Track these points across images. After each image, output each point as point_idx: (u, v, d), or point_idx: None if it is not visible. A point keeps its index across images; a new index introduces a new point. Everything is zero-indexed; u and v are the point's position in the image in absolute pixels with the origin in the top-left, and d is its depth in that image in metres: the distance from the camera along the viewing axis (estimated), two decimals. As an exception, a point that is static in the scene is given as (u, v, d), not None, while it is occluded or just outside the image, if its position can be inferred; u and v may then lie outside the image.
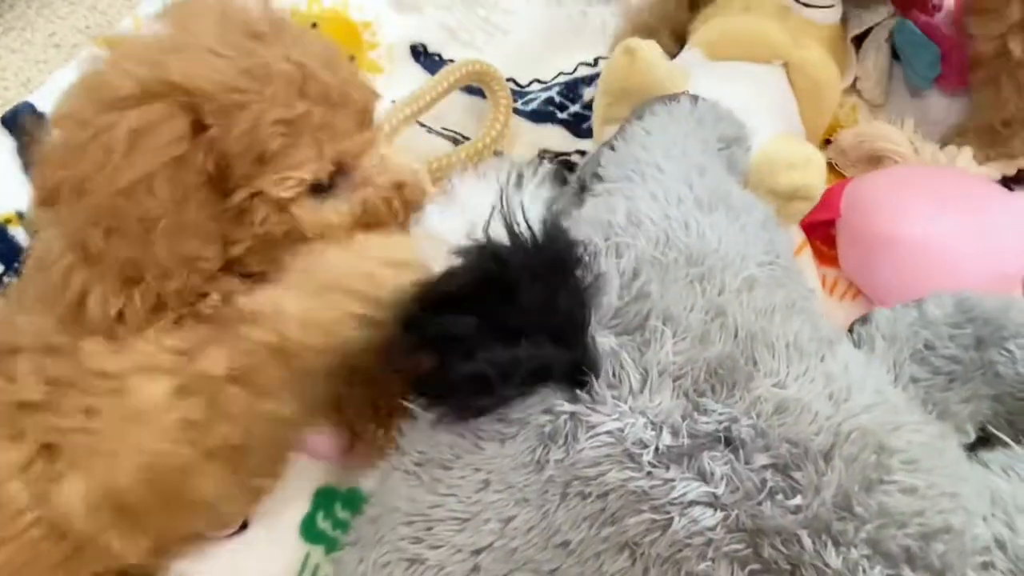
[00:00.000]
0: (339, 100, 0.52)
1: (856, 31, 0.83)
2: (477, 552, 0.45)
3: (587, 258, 0.49)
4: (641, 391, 0.46)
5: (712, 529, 0.42)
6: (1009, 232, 0.68)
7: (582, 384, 0.46)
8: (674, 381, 0.46)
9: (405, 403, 0.52)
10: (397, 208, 0.56)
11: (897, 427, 0.47)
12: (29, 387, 0.49)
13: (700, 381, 0.46)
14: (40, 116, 0.83)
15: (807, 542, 0.42)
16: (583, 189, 0.60)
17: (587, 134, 0.83)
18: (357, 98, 0.54)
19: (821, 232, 0.76)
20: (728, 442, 0.44)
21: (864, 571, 0.41)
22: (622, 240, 0.51)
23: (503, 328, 0.45)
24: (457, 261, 0.48)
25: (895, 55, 0.85)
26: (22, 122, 0.84)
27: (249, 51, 0.49)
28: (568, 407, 0.45)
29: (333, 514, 0.65)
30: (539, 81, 0.87)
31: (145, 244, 0.48)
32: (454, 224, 0.52)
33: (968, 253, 0.67)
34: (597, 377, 0.46)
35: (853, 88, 0.85)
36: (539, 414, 0.46)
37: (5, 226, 0.81)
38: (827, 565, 0.41)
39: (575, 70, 0.88)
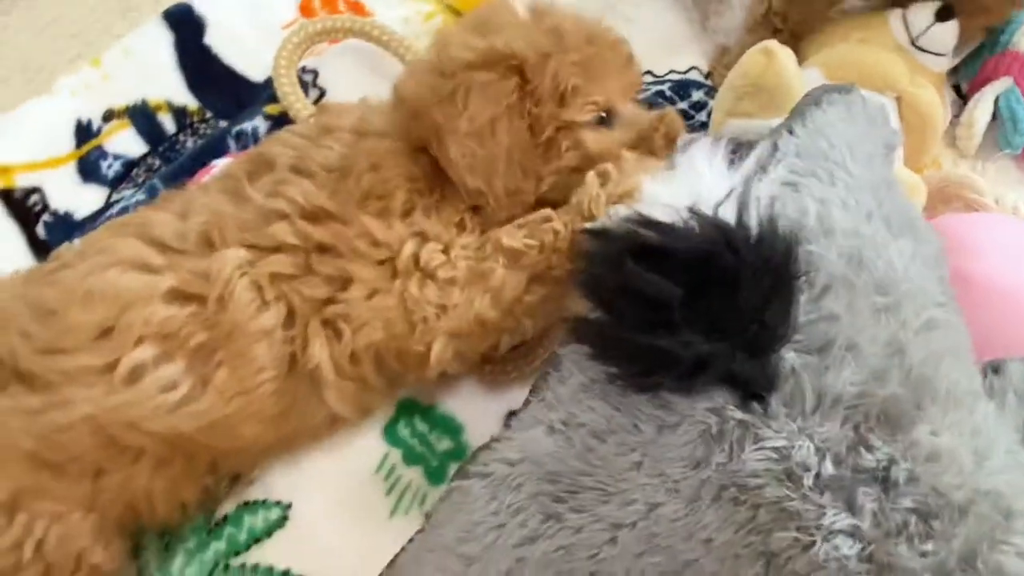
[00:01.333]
0: (611, 47, 0.68)
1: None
2: (618, 527, 0.47)
3: (807, 273, 0.47)
4: (812, 414, 0.46)
5: (848, 558, 0.44)
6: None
7: (758, 396, 0.45)
8: (845, 410, 0.46)
9: (561, 350, 0.53)
10: (662, 139, 0.68)
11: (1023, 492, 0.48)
12: (288, 256, 0.60)
13: (870, 417, 0.46)
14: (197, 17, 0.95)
15: None
16: (763, 171, 0.56)
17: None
18: (623, 47, 0.70)
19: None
20: (883, 482, 0.45)
21: None
22: (815, 250, 0.50)
23: (704, 313, 0.44)
24: (682, 224, 0.46)
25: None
26: (181, 19, 0.94)
27: (539, 19, 0.66)
28: (739, 415, 0.45)
29: (413, 425, 0.71)
30: (651, 74, 0.89)
31: (488, 177, 0.62)
32: (677, 191, 0.51)
33: None
34: (774, 390, 0.45)
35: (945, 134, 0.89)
36: (705, 412, 0.46)
37: (155, 112, 0.91)
38: None
39: (687, 71, 0.91)
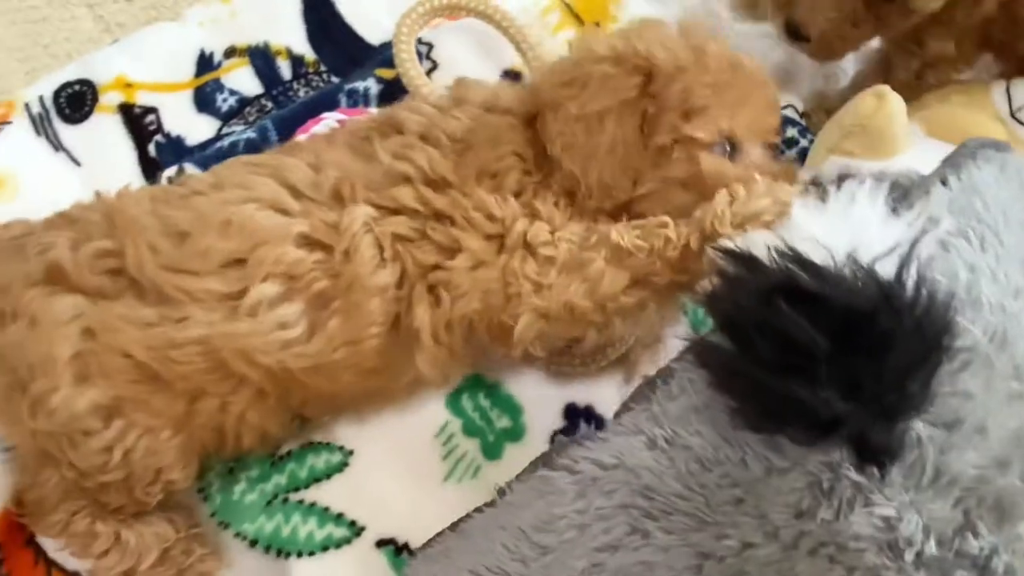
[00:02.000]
0: (755, 83, 0.69)
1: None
2: (706, 556, 0.46)
3: (955, 346, 0.44)
4: (927, 489, 0.44)
5: None
6: None
7: (877, 461, 0.44)
8: (961, 492, 0.44)
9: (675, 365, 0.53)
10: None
11: None
12: (408, 218, 0.63)
13: (983, 504, 0.44)
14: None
15: None
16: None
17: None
18: (768, 89, 0.70)
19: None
20: (982, 569, 0.44)
21: None
22: (962, 320, 0.47)
23: (847, 371, 0.42)
24: (839, 271, 0.44)
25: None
26: None
27: (686, 36, 0.68)
28: (855, 476, 0.44)
29: (476, 398, 0.72)
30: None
31: (585, 163, 0.64)
32: (833, 231, 0.47)
33: None
34: (896, 459, 0.44)
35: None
36: (820, 464, 0.45)
37: (275, 57, 0.94)
38: None
39: (785, 107, 0.90)
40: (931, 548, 0.43)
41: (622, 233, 0.60)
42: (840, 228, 0.48)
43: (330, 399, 0.65)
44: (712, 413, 0.49)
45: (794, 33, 0.76)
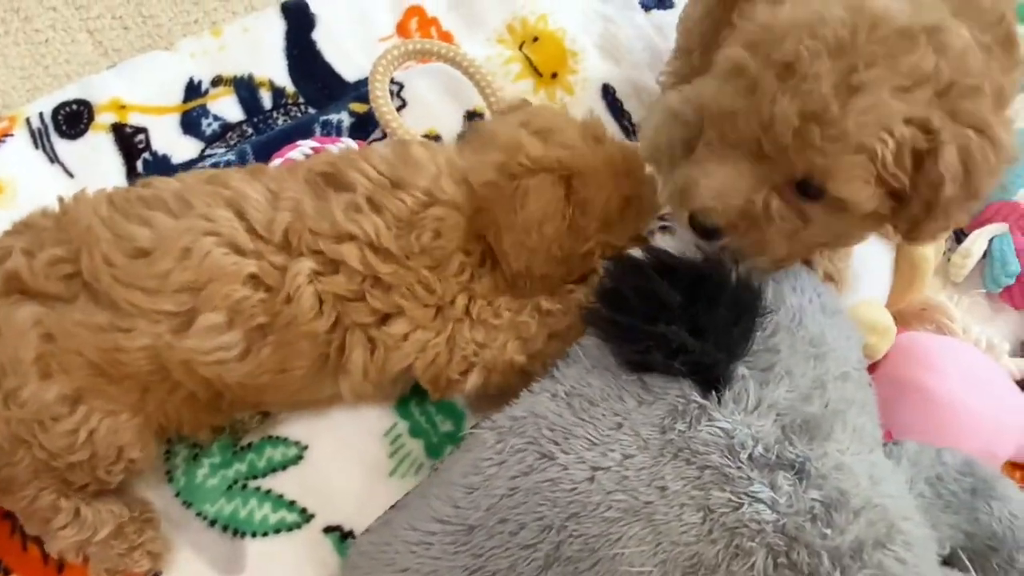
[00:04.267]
0: (645, 184, 0.79)
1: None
2: (596, 468, 0.61)
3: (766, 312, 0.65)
4: (753, 411, 0.62)
5: (766, 522, 0.58)
6: (1010, 423, 0.85)
7: (716, 388, 0.62)
8: (777, 415, 0.62)
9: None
10: None
11: (906, 517, 0.63)
12: (347, 279, 0.71)
13: (794, 425, 0.62)
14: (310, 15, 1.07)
15: (826, 561, 0.57)
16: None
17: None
18: (652, 190, 0.80)
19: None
20: (798, 472, 0.60)
21: None
22: (771, 305, 0.68)
23: (692, 317, 0.61)
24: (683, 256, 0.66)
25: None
26: (296, 13, 1.08)
27: (594, 148, 0.77)
28: (700, 400, 0.62)
29: (423, 404, 0.82)
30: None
31: (529, 256, 0.73)
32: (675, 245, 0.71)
33: (979, 425, 0.83)
34: (727, 388, 0.62)
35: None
36: (675, 395, 0.62)
37: (258, 87, 1.04)
38: None
39: None
40: (759, 451, 0.60)
41: (548, 300, 0.75)
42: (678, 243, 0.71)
43: (256, 406, 0.77)
44: (599, 370, 0.65)
45: (705, 231, 0.66)
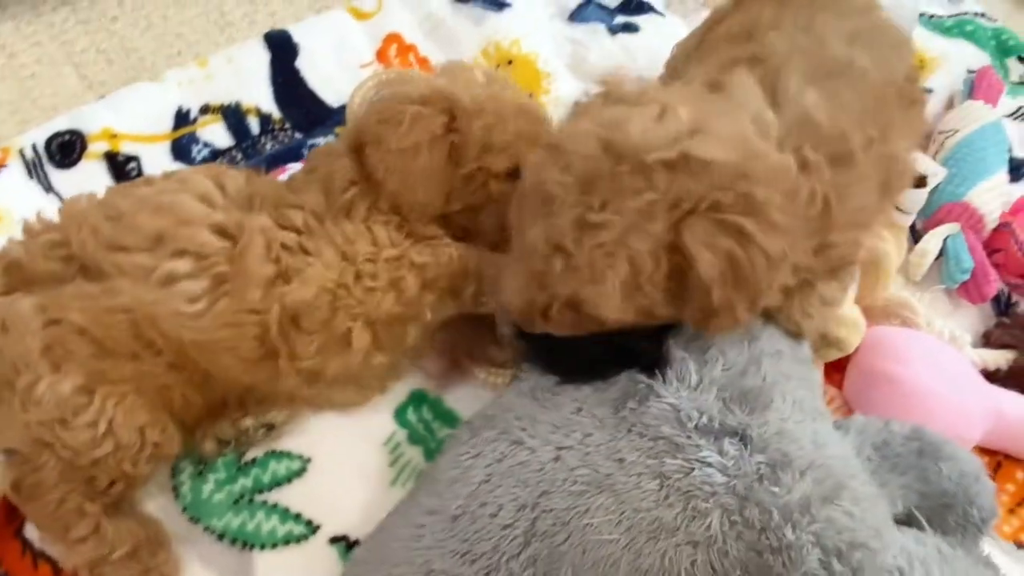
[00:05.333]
0: (539, 123, 0.83)
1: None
2: (560, 448, 0.67)
3: None
4: (695, 388, 0.68)
5: (718, 485, 0.63)
6: (976, 409, 0.89)
7: (659, 370, 0.69)
8: (718, 390, 0.69)
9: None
10: None
11: (852, 476, 0.68)
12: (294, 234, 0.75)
13: (734, 397, 0.68)
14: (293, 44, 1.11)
15: (776, 517, 0.62)
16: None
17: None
18: (547, 129, 0.83)
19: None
20: (742, 439, 0.66)
21: (808, 550, 0.62)
22: None
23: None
24: None
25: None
26: (279, 43, 1.12)
27: (487, 87, 0.81)
28: (647, 381, 0.69)
29: (420, 412, 0.85)
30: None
31: (405, 186, 0.76)
32: None
33: (946, 410, 0.87)
34: (668, 369, 0.69)
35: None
36: (625, 380, 0.69)
37: (246, 114, 1.08)
38: (784, 536, 0.62)
39: None
40: (704, 421, 0.66)
41: (421, 252, 0.77)
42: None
43: (229, 387, 0.77)
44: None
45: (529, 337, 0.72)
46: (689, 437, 0.65)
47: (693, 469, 0.64)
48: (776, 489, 0.63)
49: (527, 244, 0.64)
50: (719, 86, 0.67)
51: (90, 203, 0.75)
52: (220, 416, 0.78)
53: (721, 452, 0.65)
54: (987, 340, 1.05)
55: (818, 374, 0.90)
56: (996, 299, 1.08)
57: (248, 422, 0.78)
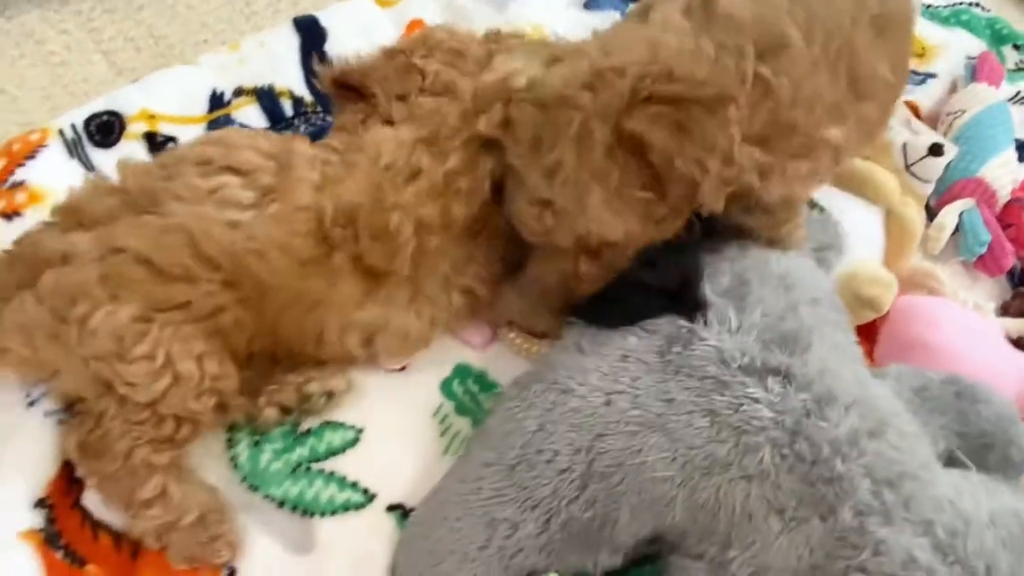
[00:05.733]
0: None
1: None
2: (611, 393, 0.69)
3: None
4: (736, 331, 0.71)
5: (766, 419, 0.65)
6: (1007, 371, 0.91)
7: (700, 315, 0.71)
8: (757, 333, 0.71)
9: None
10: None
11: (895, 414, 0.70)
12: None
13: (774, 339, 0.70)
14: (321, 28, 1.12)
15: (826, 450, 0.64)
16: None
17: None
18: None
19: (863, 328, 0.95)
20: (785, 376, 0.68)
21: (858, 481, 0.63)
22: (734, 255, 0.78)
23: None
24: None
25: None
26: (308, 27, 1.13)
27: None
28: (689, 325, 0.71)
29: (466, 384, 0.87)
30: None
31: None
32: None
33: (980, 373, 0.86)
34: (709, 313, 0.71)
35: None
36: (667, 325, 0.72)
37: (279, 97, 1.08)
38: (835, 467, 0.64)
39: None
40: (746, 361, 0.68)
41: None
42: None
43: (287, 317, 0.76)
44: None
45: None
46: (735, 375, 0.67)
47: (742, 405, 0.66)
48: (824, 424, 0.65)
49: (521, 219, 0.70)
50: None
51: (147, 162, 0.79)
52: (270, 375, 0.79)
53: (766, 389, 0.66)
54: (1005, 311, 1.07)
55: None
56: (1010, 272, 1.11)
57: (313, 387, 0.78)
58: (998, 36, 1.47)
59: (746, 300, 0.73)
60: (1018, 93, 1.36)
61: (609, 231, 0.69)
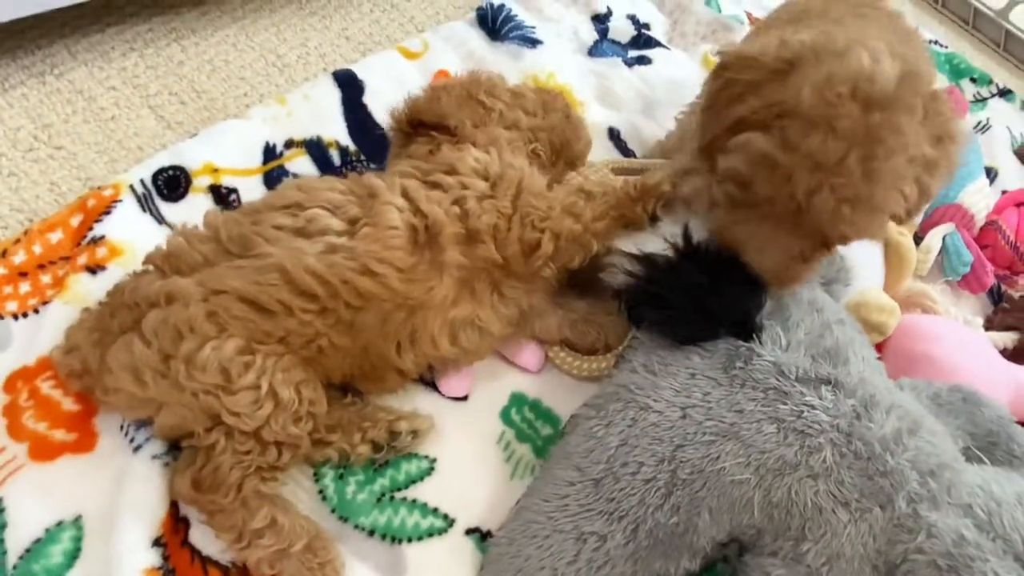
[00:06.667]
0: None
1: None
2: (685, 407, 0.75)
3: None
4: (786, 348, 0.79)
5: (824, 423, 0.73)
6: (1000, 381, 1.00)
7: (755, 336, 0.78)
8: (805, 348, 0.79)
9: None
10: None
11: (925, 416, 0.78)
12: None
13: (819, 354, 0.79)
14: (359, 81, 1.19)
15: (877, 448, 0.72)
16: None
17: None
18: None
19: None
20: (835, 386, 0.75)
21: (907, 472, 0.71)
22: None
23: (716, 288, 0.78)
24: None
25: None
26: (347, 80, 1.19)
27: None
28: (746, 345, 0.78)
29: (523, 412, 0.93)
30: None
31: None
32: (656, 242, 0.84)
33: (977, 383, 0.95)
34: (763, 333, 0.78)
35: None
36: (725, 346, 0.78)
37: (327, 147, 1.13)
38: (887, 462, 0.71)
39: None
40: (801, 372, 0.76)
41: (589, 182, 0.89)
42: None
43: (382, 329, 0.80)
44: (660, 346, 0.81)
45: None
46: (794, 386, 0.75)
47: (803, 411, 0.73)
48: (872, 425, 0.73)
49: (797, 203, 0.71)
50: None
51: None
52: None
53: (820, 397, 0.74)
54: (988, 325, 1.17)
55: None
56: (990, 290, 1.21)
57: (402, 424, 0.83)
58: (957, 70, 1.59)
59: (789, 321, 0.81)
60: (979, 123, 1.47)
61: (868, 230, 0.74)
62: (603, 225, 0.86)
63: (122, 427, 0.80)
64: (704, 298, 0.78)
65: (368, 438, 0.82)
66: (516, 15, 1.34)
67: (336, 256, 0.77)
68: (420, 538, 0.80)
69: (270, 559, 0.73)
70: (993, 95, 1.56)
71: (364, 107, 1.15)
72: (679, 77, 1.32)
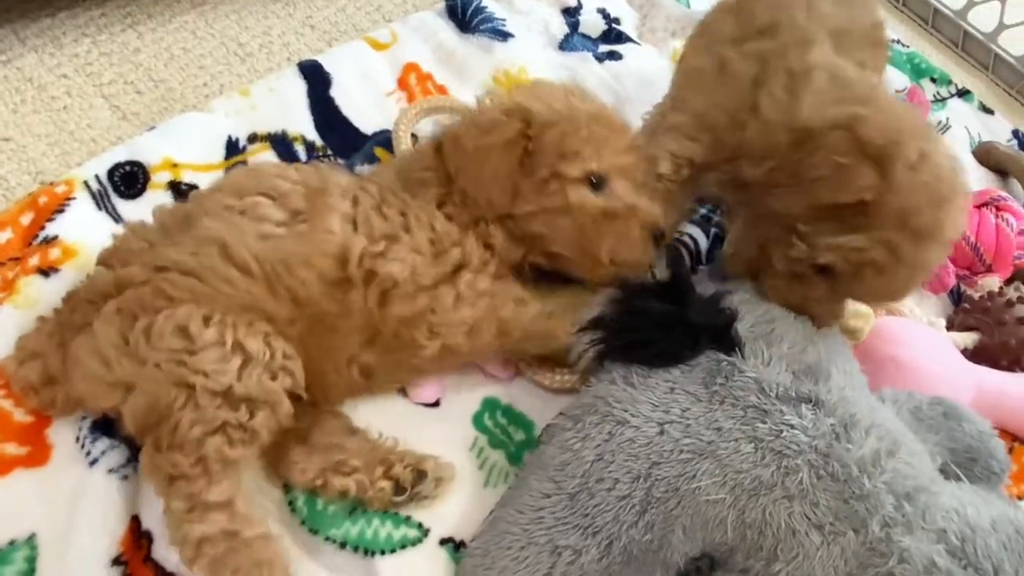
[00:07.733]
0: (617, 132, 0.89)
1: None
2: (663, 423, 0.73)
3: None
4: (767, 364, 0.77)
5: (803, 443, 0.71)
6: (963, 383, 1.00)
7: (737, 351, 0.76)
8: (786, 364, 0.77)
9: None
10: (636, 224, 0.87)
11: (903, 434, 0.78)
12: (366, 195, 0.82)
13: (801, 370, 0.77)
14: (325, 73, 1.14)
15: (855, 470, 0.71)
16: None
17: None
18: (628, 138, 0.90)
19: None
20: (815, 404, 0.74)
21: (883, 496, 0.70)
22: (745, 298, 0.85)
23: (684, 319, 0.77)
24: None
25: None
26: (314, 73, 1.14)
27: (564, 99, 0.88)
28: (728, 359, 0.76)
29: (495, 417, 0.90)
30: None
31: (475, 184, 0.83)
32: None
33: (941, 385, 0.96)
34: (745, 348, 0.77)
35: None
36: (707, 360, 0.77)
37: (292, 142, 1.09)
38: (864, 485, 0.70)
39: None
40: (781, 391, 0.74)
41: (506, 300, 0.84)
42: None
43: (330, 341, 0.78)
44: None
45: None
46: (773, 404, 0.73)
47: (782, 431, 0.72)
48: (850, 446, 0.72)
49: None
50: None
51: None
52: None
53: (800, 416, 0.72)
54: (949, 325, 1.17)
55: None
56: (950, 291, 1.21)
57: (429, 465, 0.79)
58: (917, 70, 1.59)
59: (772, 335, 0.80)
60: (939, 123, 1.48)
61: None
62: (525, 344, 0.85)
63: (78, 439, 0.75)
64: (679, 314, 0.76)
65: (392, 474, 0.77)
66: (486, 6, 1.29)
67: (268, 244, 0.74)
68: (393, 550, 0.77)
69: (216, 538, 0.67)
70: (952, 95, 1.56)
71: (330, 101, 1.10)
72: (649, 73, 1.29)
